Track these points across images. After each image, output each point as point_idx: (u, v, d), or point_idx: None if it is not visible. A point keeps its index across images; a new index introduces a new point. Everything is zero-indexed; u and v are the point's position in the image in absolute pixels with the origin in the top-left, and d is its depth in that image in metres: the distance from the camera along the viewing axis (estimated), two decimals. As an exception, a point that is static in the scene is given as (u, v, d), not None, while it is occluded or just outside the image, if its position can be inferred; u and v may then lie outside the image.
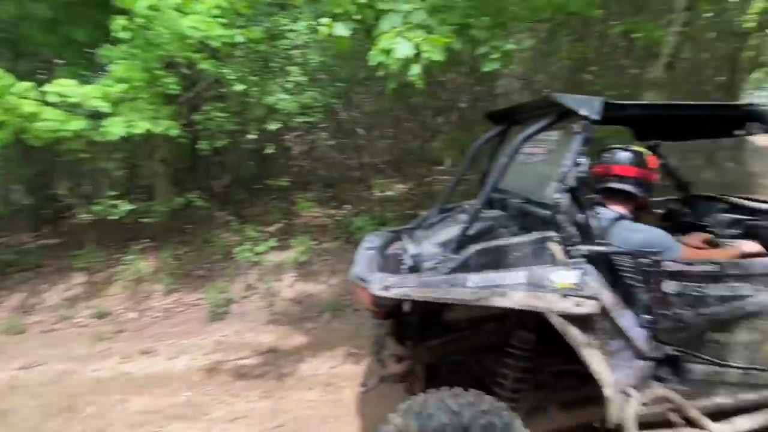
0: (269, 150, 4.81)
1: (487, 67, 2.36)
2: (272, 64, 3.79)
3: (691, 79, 5.35)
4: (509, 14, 2.65)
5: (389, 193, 5.16)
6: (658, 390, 1.40)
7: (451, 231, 1.58)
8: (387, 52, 2.05)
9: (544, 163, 1.61)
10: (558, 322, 1.31)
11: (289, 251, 3.80)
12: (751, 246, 1.64)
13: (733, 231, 1.84)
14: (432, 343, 1.80)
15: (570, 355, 1.37)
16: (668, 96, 3.58)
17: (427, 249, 1.55)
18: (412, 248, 1.58)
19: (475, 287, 1.32)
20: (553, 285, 1.29)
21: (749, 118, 1.60)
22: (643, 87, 3.70)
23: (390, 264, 1.60)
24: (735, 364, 1.45)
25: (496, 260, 1.39)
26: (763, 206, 1.90)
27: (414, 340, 1.79)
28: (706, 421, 1.43)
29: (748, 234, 1.77)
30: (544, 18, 3.87)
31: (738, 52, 5.65)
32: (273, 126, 3.84)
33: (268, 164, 5.65)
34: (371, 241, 1.81)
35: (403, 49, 2.02)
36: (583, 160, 1.37)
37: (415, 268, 1.48)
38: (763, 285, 1.44)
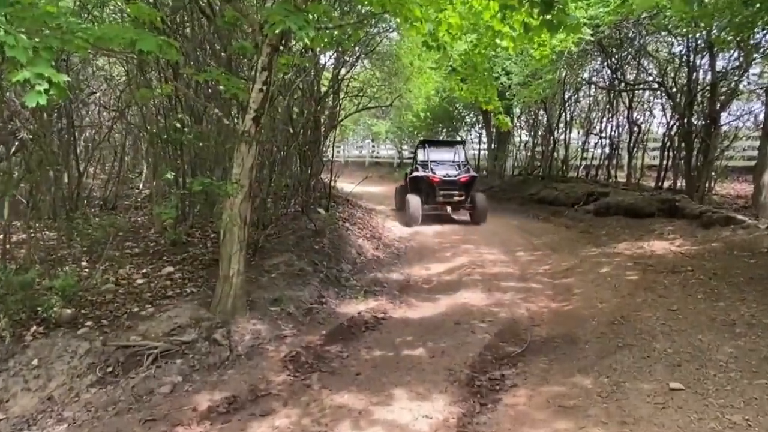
0: None
1: (31, 101, 2.52)
2: None
3: (284, 132, 7.59)
4: (61, 38, 2.96)
5: None
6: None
7: (445, 169, 11.89)
8: None
9: (453, 154, 12.78)
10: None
11: None
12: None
13: None
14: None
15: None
16: (257, 149, 5.00)
17: (448, 171, 11.72)
18: (440, 172, 11.64)
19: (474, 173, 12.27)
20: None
21: (460, 142, 14.13)
22: (237, 138, 4.96)
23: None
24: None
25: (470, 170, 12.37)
26: None
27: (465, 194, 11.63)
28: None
29: None
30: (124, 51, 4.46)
31: (319, 113, 8.62)
32: None
33: None
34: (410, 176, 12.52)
35: None
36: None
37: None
38: None
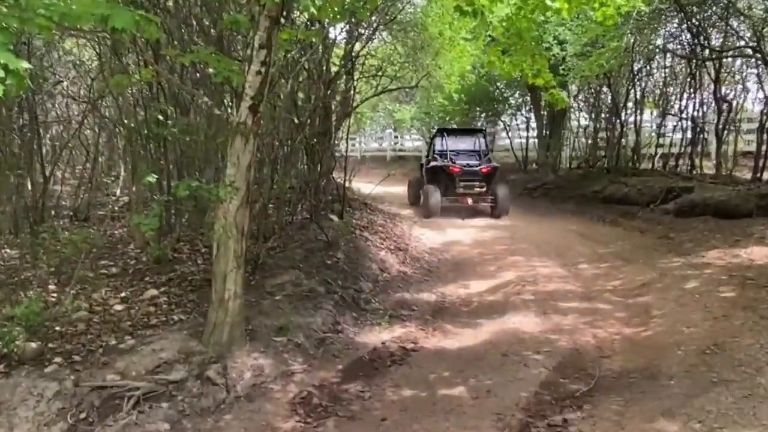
0: None
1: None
2: None
3: (288, 123, 7.64)
4: (19, 17, 3.02)
5: None
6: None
7: (465, 159, 13.77)
8: None
9: (473, 143, 14.75)
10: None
11: None
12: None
13: None
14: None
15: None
16: (256, 143, 5.04)
17: (468, 162, 13.58)
18: (459, 162, 13.41)
19: (495, 164, 14.31)
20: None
21: (480, 131, 15.88)
22: (231, 132, 5.00)
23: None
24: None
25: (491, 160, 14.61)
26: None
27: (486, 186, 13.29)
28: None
29: None
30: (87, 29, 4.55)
31: (329, 99, 8.67)
32: None
33: None
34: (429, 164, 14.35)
35: None
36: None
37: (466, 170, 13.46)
38: None
